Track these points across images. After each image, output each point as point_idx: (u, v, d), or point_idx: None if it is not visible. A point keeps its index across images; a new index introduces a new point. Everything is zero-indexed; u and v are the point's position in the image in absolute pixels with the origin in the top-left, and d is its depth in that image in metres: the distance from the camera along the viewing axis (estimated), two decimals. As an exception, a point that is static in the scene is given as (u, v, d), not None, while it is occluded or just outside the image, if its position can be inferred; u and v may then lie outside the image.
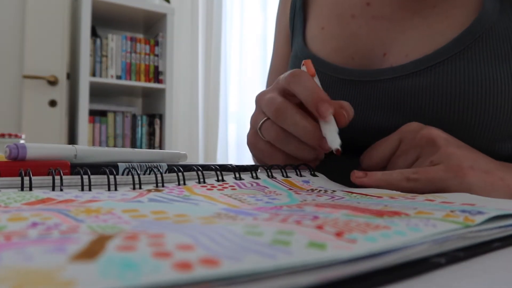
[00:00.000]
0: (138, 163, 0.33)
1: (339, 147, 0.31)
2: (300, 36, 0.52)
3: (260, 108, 0.36)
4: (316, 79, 0.36)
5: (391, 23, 0.45)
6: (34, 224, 0.15)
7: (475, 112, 0.37)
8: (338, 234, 0.14)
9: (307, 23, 0.52)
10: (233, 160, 2.51)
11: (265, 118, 0.36)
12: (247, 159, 2.41)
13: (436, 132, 0.34)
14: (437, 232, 0.15)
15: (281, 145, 0.35)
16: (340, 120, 0.33)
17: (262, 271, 0.10)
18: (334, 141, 0.31)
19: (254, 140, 0.38)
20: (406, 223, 0.16)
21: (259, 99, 0.37)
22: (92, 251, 0.11)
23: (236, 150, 2.51)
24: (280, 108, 0.33)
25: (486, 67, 0.37)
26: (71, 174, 0.29)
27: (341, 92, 0.45)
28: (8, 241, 0.12)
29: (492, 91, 0.37)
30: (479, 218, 0.17)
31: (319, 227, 0.15)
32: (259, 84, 2.52)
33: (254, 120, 0.37)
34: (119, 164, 0.31)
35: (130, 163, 0.32)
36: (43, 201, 0.21)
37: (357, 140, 0.43)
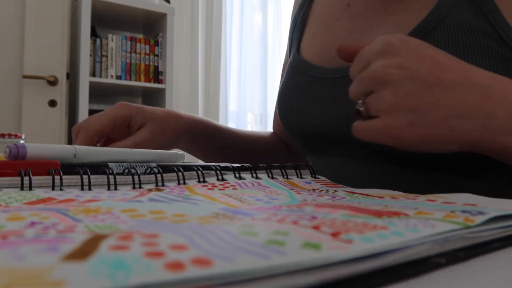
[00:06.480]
0: (128, 163, 0.33)
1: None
2: (296, 46, 0.56)
3: None
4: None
5: (367, 21, 0.48)
6: (32, 224, 0.15)
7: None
8: (334, 235, 0.14)
9: (303, 35, 0.57)
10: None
11: None
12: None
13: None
14: (435, 233, 0.15)
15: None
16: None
17: (255, 271, 0.10)
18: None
19: None
20: (405, 224, 0.16)
21: None
22: (85, 251, 0.11)
23: (236, 150, 2.50)
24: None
25: None
26: (68, 174, 0.29)
27: (324, 90, 0.48)
28: (4, 240, 0.12)
29: None
30: (479, 219, 0.17)
31: (316, 227, 0.15)
32: (259, 84, 2.52)
33: None
34: (109, 164, 0.32)
35: (121, 163, 0.32)
36: (43, 200, 0.21)
37: (344, 134, 0.44)
